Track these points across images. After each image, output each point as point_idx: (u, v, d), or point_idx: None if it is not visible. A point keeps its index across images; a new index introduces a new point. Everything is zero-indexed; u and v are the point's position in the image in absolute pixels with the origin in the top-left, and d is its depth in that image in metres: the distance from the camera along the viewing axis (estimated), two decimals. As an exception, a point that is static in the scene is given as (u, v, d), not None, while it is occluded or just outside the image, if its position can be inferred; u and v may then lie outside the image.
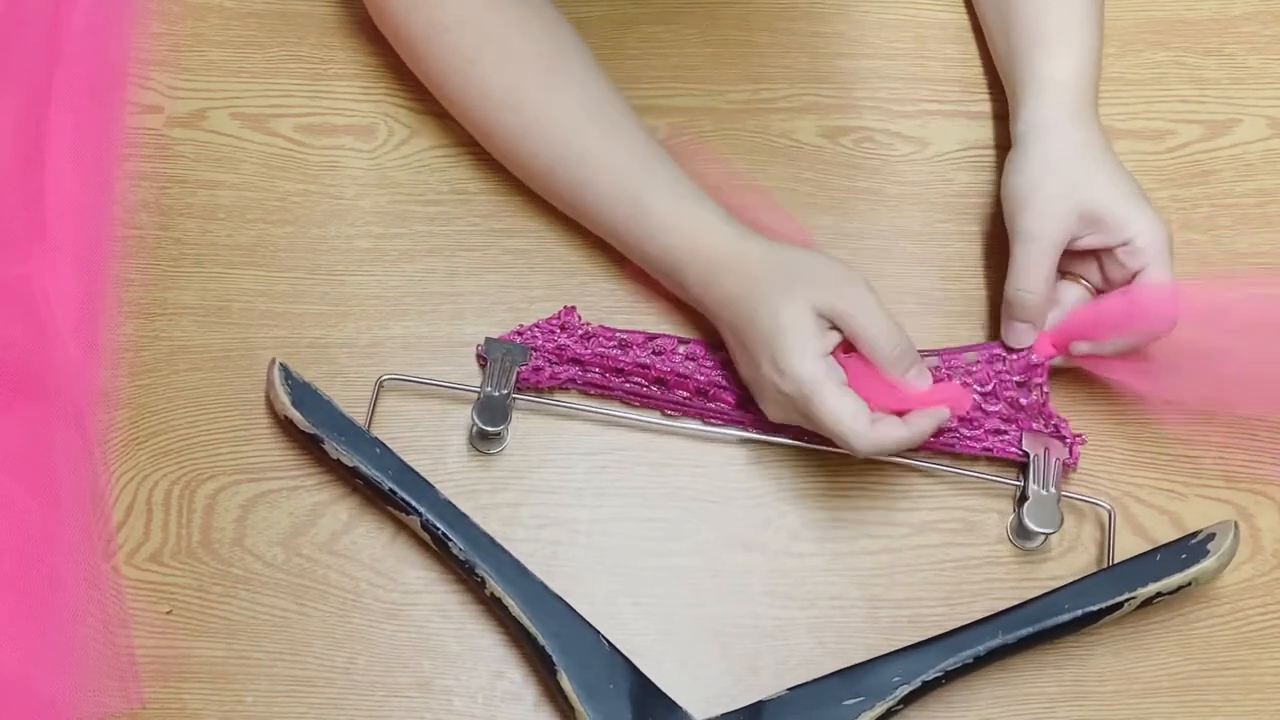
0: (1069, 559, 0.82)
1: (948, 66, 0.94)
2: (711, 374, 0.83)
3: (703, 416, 0.83)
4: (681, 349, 0.84)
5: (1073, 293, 0.84)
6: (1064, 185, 0.82)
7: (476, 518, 0.78)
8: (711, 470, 0.82)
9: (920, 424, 0.77)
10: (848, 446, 0.76)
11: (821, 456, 0.83)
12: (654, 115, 0.89)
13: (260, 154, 0.88)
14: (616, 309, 0.86)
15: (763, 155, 0.90)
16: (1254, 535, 0.83)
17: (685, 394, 0.83)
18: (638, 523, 0.81)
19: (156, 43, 0.90)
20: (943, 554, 0.81)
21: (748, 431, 0.83)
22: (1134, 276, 0.81)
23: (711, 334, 0.84)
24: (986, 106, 0.93)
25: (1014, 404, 0.83)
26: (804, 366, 0.75)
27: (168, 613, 0.77)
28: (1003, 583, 0.81)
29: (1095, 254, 0.83)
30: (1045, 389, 0.83)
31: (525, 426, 0.83)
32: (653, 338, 0.84)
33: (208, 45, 0.91)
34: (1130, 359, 0.82)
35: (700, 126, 0.90)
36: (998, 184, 0.86)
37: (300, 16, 0.92)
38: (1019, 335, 0.83)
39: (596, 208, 0.83)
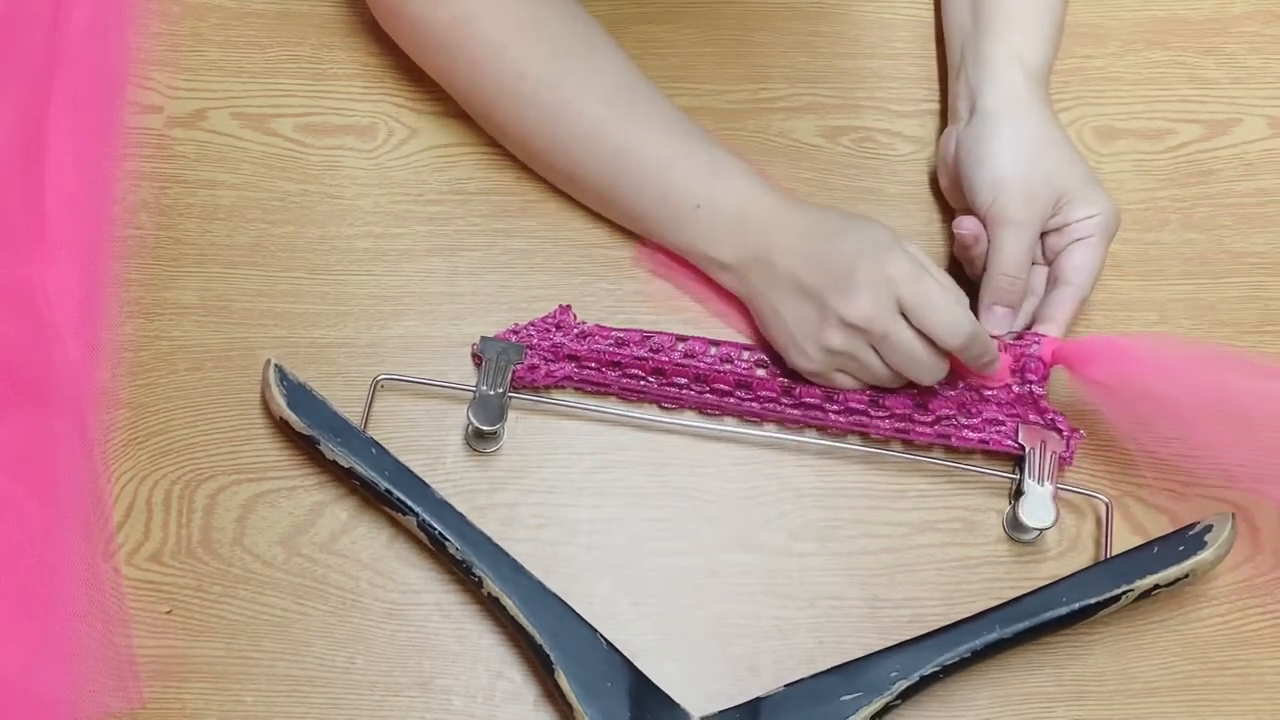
0: (1069, 558, 0.82)
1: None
2: (713, 365, 0.83)
3: (701, 406, 0.83)
4: (681, 346, 0.84)
5: (1038, 275, 0.85)
6: (1043, 170, 0.83)
7: (475, 518, 0.78)
8: (711, 470, 0.82)
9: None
10: (953, 323, 0.77)
11: (820, 455, 0.83)
12: (654, 115, 0.89)
13: (260, 154, 0.88)
14: (616, 309, 0.86)
15: (763, 155, 0.90)
16: (1254, 535, 0.83)
17: (684, 381, 0.83)
18: (637, 522, 0.81)
19: (156, 43, 0.90)
20: (943, 554, 0.81)
21: (747, 426, 0.83)
22: (1068, 248, 0.83)
23: (710, 333, 0.85)
24: (986, 106, 0.93)
25: (1008, 389, 0.83)
26: (908, 248, 0.79)
27: (168, 612, 0.77)
28: (1002, 582, 0.81)
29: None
30: (1041, 386, 0.83)
31: (524, 426, 0.83)
32: (649, 336, 0.84)
33: (208, 45, 0.91)
34: (1110, 393, 0.82)
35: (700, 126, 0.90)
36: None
37: (300, 16, 0.92)
38: (998, 321, 0.83)
39: (647, 169, 0.83)
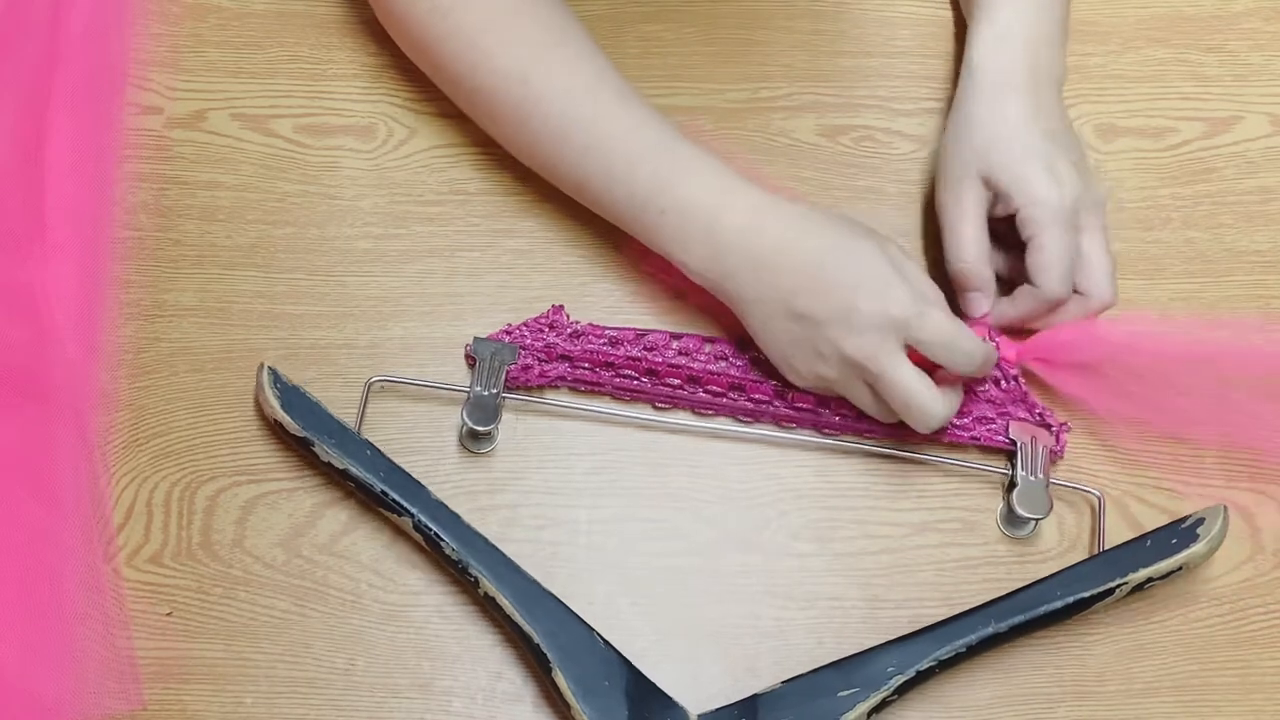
0: (1069, 558, 0.81)
1: (948, 64, 0.94)
2: (706, 364, 0.83)
3: (693, 406, 0.83)
4: (675, 344, 0.84)
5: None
6: (970, 153, 0.83)
7: (475, 519, 0.78)
8: (710, 470, 0.82)
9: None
10: (968, 353, 0.77)
11: (819, 456, 0.83)
12: (654, 114, 0.89)
13: (260, 155, 0.88)
14: (616, 309, 0.86)
15: (763, 155, 0.90)
16: (1254, 535, 0.83)
17: (677, 381, 0.83)
18: (637, 523, 0.81)
19: (156, 43, 0.90)
20: (942, 554, 0.81)
21: (745, 426, 0.83)
22: (1027, 242, 0.83)
23: (707, 330, 0.85)
24: (987, 105, 0.93)
25: (996, 384, 0.83)
26: (896, 261, 0.77)
27: (168, 614, 0.77)
28: (1002, 583, 0.80)
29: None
30: (1020, 381, 0.83)
31: (525, 427, 0.83)
32: (644, 334, 0.84)
33: (207, 46, 0.91)
34: (1083, 378, 0.83)
35: (700, 126, 0.90)
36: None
37: (299, 17, 0.92)
38: (974, 304, 0.83)
39: (614, 169, 0.81)
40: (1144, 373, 0.82)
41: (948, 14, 0.96)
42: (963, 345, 0.77)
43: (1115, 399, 0.82)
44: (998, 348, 0.83)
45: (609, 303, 0.86)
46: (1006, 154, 0.82)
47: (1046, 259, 0.81)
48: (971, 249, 0.82)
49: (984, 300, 0.83)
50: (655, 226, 0.81)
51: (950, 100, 0.92)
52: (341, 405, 0.80)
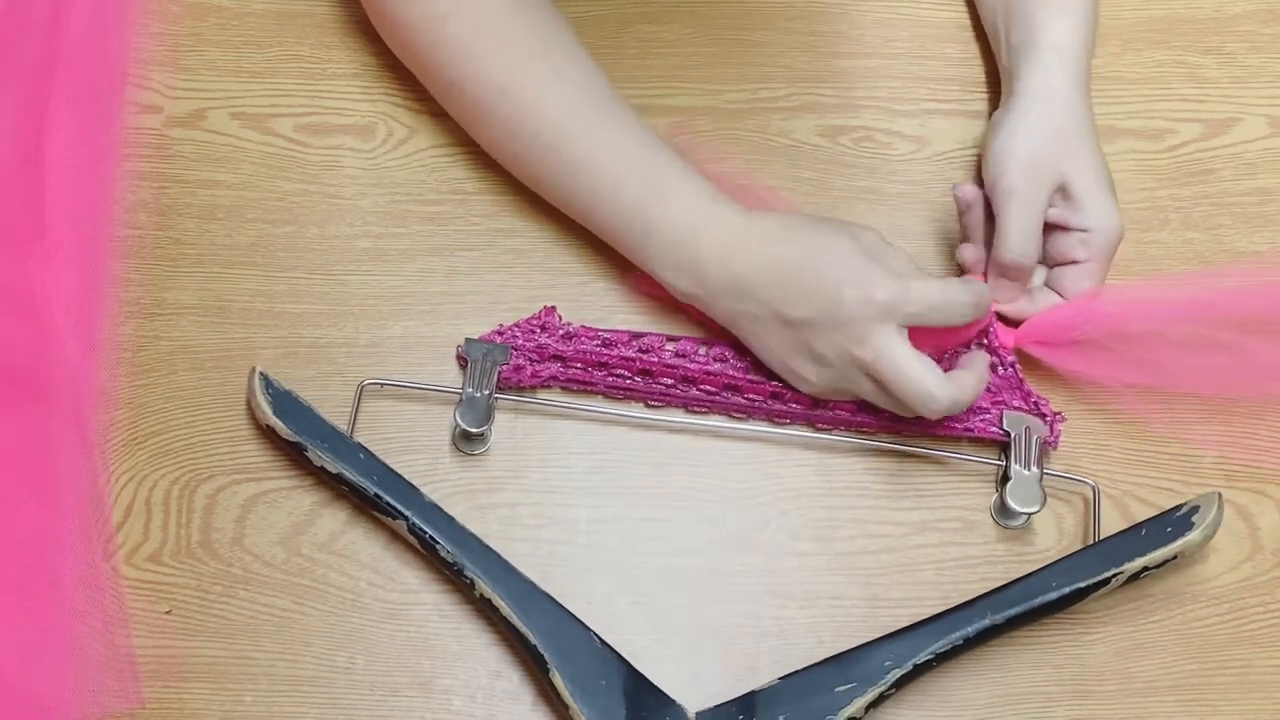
0: (1069, 558, 0.82)
1: (947, 65, 0.94)
2: (705, 365, 0.83)
3: (686, 404, 0.83)
4: (670, 346, 0.84)
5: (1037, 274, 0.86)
6: (1053, 153, 0.83)
7: (475, 518, 0.78)
8: (710, 470, 0.82)
9: (979, 365, 0.81)
10: (962, 303, 0.78)
11: (819, 455, 0.83)
12: (653, 115, 0.88)
13: (259, 154, 0.88)
14: (615, 309, 0.86)
15: (762, 155, 0.90)
16: (1254, 535, 0.83)
17: (670, 381, 0.83)
18: (636, 522, 0.81)
19: (156, 43, 0.90)
20: (942, 553, 0.81)
21: (743, 423, 0.83)
22: (1071, 263, 0.83)
23: (705, 335, 0.85)
24: (986, 106, 0.93)
25: (993, 370, 0.83)
26: (890, 284, 0.77)
27: (167, 613, 0.77)
28: (1001, 581, 0.80)
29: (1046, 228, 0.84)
30: (1017, 367, 0.84)
31: (522, 426, 0.83)
32: (638, 335, 0.84)
33: (207, 45, 0.91)
34: (1079, 351, 0.84)
35: (699, 126, 0.90)
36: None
37: (299, 16, 0.92)
38: (1009, 292, 0.84)
39: (600, 186, 0.81)
40: (1143, 339, 0.83)
41: (946, 15, 0.96)
42: (955, 297, 0.78)
43: (1117, 368, 0.83)
44: (995, 335, 0.83)
45: (607, 302, 0.86)
46: (1089, 172, 0.83)
47: (1090, 284, 0.83)
48: (1031, 244, 0.82)
49: (1017, 291, 0.84)
50: (640, 246, 0.82)
51: (951, 102, 0.93)
52: (340, 404, 0.80)
